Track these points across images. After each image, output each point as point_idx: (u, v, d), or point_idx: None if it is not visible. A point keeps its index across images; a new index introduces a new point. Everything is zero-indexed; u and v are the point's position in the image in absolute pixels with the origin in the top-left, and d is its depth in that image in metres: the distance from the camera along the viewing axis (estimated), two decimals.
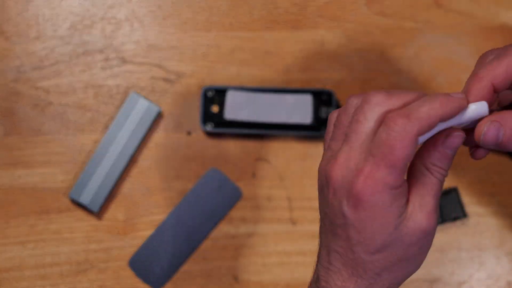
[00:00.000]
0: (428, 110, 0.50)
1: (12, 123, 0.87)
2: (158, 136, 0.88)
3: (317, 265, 0.57)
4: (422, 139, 0.52)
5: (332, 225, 0.53)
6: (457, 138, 0.52)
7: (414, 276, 0.86)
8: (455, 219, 0.86)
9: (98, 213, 0.86)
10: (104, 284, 0.86)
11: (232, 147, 0.88)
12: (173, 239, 0.86)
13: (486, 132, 0.51)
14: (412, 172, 0.54)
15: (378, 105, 0.51)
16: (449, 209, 0.86)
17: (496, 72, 0.51)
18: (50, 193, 0.86)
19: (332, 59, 0.89)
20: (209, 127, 0.86)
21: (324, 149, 0.55)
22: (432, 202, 0.53)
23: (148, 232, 0.86)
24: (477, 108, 0.52)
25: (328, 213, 0.54)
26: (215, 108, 0.87)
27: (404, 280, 0.55)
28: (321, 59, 0.89)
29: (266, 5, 0.89)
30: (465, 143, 0.54)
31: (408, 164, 0.51)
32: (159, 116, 0.87)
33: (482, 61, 0.54)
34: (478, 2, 0.90)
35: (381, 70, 0.88)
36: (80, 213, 0.86)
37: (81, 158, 0.87)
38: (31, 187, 0.86)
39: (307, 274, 0.86)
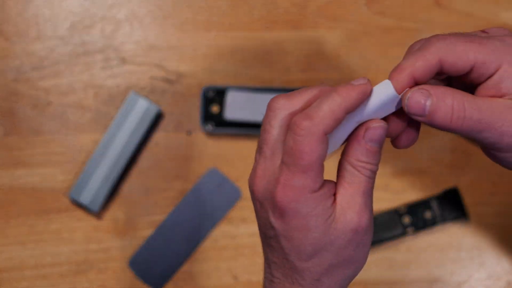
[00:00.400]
0: (329, 105, 0.49)
1: (12, 123, 0.87)
2: (158, 136, 0.88)
3: (263, 278, 0.56)
4: (342, 135, 0.51)
5: (266, 237, 0.53)
6: (378, 129, 0.51)
7: (414, 276, 0.86)
8: (455, 219, 0.86)
9: (98, 213, 0.86)
10: (104, 284, 0.86)
11: (232, 147, 0.87)
12: (173, 239, 0.86)
13: (412, 96, 0.50)
14: (340, 172, 0.52)
15: (280, 110, 0.51)
16: (449, 209, 0.86)
17: (417, 64, 0.50)
18: (50, 193, 0.86)
19: (332, 59, 0.89)
20: (209, 127, 0.86)
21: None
22: (361, 201, 0.51)
23: (148, 232, 0.86)
24: (382, 90, 0.50)
25: (260, 226, 0.53)
26: (215, 108, 0.87)
27: (349, 281, 0.55)
28: (321, 59, 0.89)
29: (266, 5, 0.89)
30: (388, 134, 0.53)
31: (323, 164, 0.50)
32: (159, 116, 0.87)
33: (408, 51, 0.52)
34: (478, 2, 0.90)
35: (381, 70, 0.88)
36: (80, 213, 0.86)
37: (81, 158, 0.87)
38: (31, 187, 0.86)
39: None
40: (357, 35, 0.89)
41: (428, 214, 0.86)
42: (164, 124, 0.88)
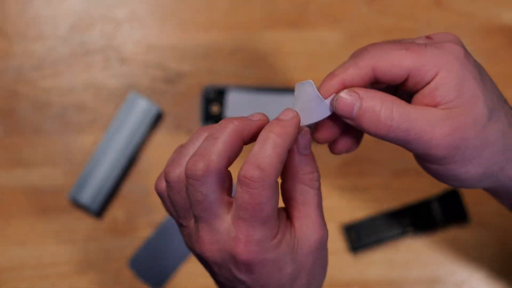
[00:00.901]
0: (274, 149, 0.47)
1: (12, 123, 0.87)
2: (158, 136, 0.88)
3: None
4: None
5: None
6: (306, 134, 0.50)
7: (414, 276, 0.86)
8: (455, 219, 0.86)
9: (98, 213, 0.86)
10: (104, 284, 0.86)
11: None
12: (173, 239, 0.86)
13: (340, 98, 0.49)
14: (289, 195, 0.51)
15: (205, 177, 0.48)
16: (449, 209, 0.86)
17: (348, 71, 0.49)
18: (50, 193, 0.86)
19: (332, 59, 0.89)
20: None
21: (175, 219, 0.53)
22: (316, 216, 0.51)
23: (148, 232, 0.86)
24: (307, 89, 0.50)
25: (224, 283, 0.52)
26: (215, 108, 0.87)
27: None
28: (321, 59, 0.89)
29: (266, 5, 0.89)
30: (319, 138, 0.52)
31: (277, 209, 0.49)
32: (159, 116, 0.87)
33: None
34: (478, 2, 0.90)
35: None
36: (80, 213, 0.86)
37: (81, 158, 0.87)
38: (31, 187, 0.86)
39: None
40: (357, 35, 0.89)
41: (428, 215, 0.86)
42: (164, 124, 0.88)
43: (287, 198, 0.51)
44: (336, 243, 0.86)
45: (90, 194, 0.85)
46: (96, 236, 0.86)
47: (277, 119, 0.49)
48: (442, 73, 0.48)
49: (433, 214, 0.86)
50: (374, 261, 0.86)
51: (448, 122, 0.48)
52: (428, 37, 0.52)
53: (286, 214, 0.51)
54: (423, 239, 0.86)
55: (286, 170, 0.51)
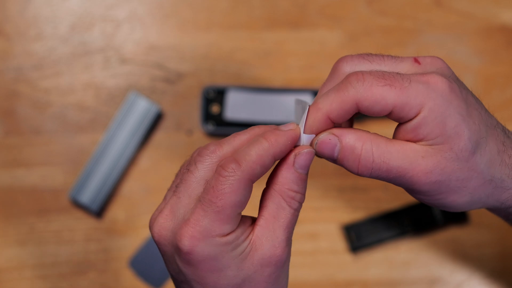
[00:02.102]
0: (257, 151, 0.48)
1: (12, 123, 0.87)
2: (158, 136, 0.88)
3: None
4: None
5: (176, 282, 0.51)
6: (308, 155, 0.49)
7: (414, 276, 0.86)
8: (455, 219, 0.86)
9: (98, 213, 0.86)
10: (104, 284, 0.86)
11: None
12: None
13: (321, 142, 0.49)
14: (265, 202, 0.50)
15: (209, 156, 0.49)
16: None
17: (333, 106, 0.48)
18: (50, 193, 0.86)
19: (332, 59, 0.89)
20: (210, 127, 0.86)
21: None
22: (282, 235, 0.50)
23: (148, 232, 0.86)
24: (302, 105, 0.50)
25: (169, 270, 0.51)
26: (215, 108, 0.87)
27: None
28: (321, 59, 0.89)
29: (266, 5, 0.89)
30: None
31: (240, 213, 0.48)
32: (159, 116, 0.88)
33: (336, 73, 0.51)
34: (478, 2, 0.90)
35: None
36: (80, 213, 0.86)
37: (81, 158, 0.87)
38: (31, 187, 0.86)
39: (307, 274, 0.86)
40: (357, 35, 0.89)
41: (428, 214, 0.86)
42: (164, 124, 0.88)
43: (262, 205, 0.51)
44: (336, 243, 0.86)
45: (90, 194, 0.85)
46: (96, 236, 0.86)
47: (276, 128, 0.50)
48: (425, 110, 0.48)
49: (433, 214, 0.86)
50: (374, 261, 0.86)
51: (429, 159, 0.48)
52: (416, 61, 0.51)
53: (252, 222, 0.50)
54: (423, 239, 0.86)
55: (273, 177, 0.50)
